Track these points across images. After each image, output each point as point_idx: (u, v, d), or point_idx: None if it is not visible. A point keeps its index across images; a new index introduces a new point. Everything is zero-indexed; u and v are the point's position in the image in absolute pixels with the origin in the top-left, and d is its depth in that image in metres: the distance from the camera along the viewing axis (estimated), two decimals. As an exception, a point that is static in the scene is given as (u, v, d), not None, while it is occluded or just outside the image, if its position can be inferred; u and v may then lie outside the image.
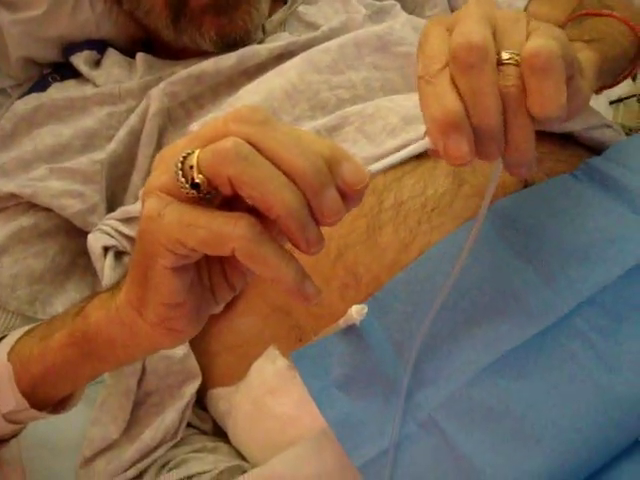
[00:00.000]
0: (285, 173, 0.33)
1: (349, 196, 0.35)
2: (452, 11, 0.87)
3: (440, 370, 0.48)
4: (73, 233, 0.72)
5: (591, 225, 0.52)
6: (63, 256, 0.72)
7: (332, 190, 0.34)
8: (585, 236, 0.51)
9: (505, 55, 0.38)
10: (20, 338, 0.50)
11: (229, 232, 0.33)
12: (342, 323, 0.51)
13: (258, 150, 0.33)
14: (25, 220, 0.69)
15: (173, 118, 0.72)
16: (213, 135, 0.34)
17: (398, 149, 0.56)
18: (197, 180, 0.33)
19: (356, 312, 0.47)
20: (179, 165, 0.33)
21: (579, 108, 0.44)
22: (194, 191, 0.33)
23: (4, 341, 0.51)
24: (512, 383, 0.46)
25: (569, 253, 0.50)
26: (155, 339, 0.40)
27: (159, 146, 0.72)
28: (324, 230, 0.57)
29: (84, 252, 0.72)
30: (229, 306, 0.63)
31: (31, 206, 0.70)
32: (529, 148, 0.39)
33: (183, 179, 0.33)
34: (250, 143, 0.33)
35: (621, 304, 0.48)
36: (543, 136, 0.60)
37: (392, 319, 0.50)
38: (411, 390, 0.48)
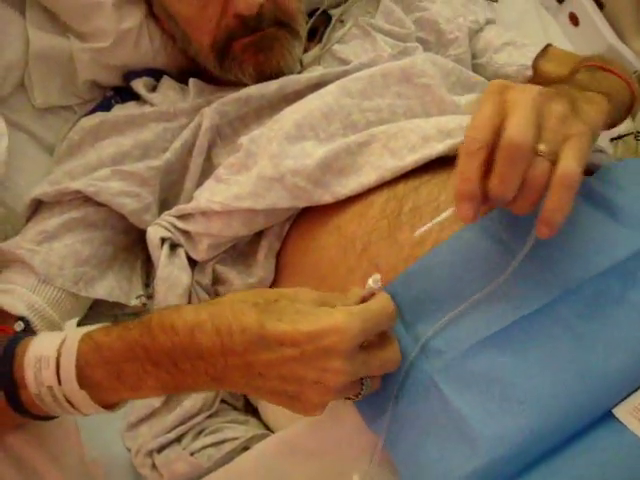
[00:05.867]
0: None
1: None
2: (472, 53, 0.98)
3: (443, 344, 0.56)
4: (119, 229, 0.81)
5: (578, 231, 0.60)
6: (107, 247, 0.80)
7: None
8: (572, 239, 0.59)
9: (542, 148, 0.50)
10: None
11: None
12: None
13: None
14: (75, 213, 0.78)
15: (222, 134, 0.83)
16: None
17: (417, 162, 0.66)
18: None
19: (373, 282, 0.55)
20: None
21: None
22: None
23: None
24: (501, 355, 0.55)
25: (558, 252, 0.58)
26: None
27: (208, 157, 0.82)
28: (350, 228, 0.68)
29: (125, 248, 0.82)
30: None
31: (83, 201, 0.78)
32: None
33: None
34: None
35: (599, 295, 0.57)
36: None
37: (405, 303, 0.59)
38: (418, 360, 0.57)
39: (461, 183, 0.51)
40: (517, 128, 0.49)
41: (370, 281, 0.54)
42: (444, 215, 0.54)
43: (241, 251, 0.76)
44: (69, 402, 0.54)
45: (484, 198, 0.51)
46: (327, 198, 0.69)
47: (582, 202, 0.64)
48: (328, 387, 0.50)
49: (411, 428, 0.56)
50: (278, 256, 0.74)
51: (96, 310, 0.82)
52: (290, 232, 0.73)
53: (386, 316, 0.53)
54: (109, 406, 0.56)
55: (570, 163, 0.49)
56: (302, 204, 0.70)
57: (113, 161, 0.81)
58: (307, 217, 0.72)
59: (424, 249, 0.61)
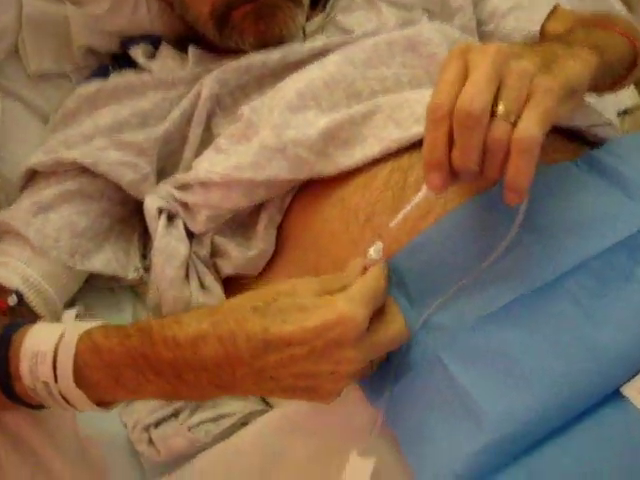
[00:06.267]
0: None
1: None
2: (478, 22, 0.95)
3: (448, 319, 0.56)
4: (115, 201, 0.79)
5: (587, 204, 0.59)
6: (103, 219, 0.78)
7: None
8: (581, 213, 0.58)
9: (501, 108, 0.48)
10: None
11: None
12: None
13: None
14: (70, 184, 0.76)
15: (222, 104, 0.80)
16: None
17: (423, 133, 0.64)
18: None
19: (374, 252, 0.54)
20: None
21: None
22: None
23: None
24: (507, 331, 0.53)
25: (566, 226, 0.57)
26: None
27: (208, 127, 0.80)
28: (353, 199, 0.66)
29: (122, 219, 0.81)
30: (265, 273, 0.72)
31: (79, 173, 0.77)
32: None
33: None
34: None
35: (608, 270, 0.55)
36: (552, 130, 0.68)
37: (409, 276, 0.58)
38: (422, 335, 0.56)
39: (427, 152, 0.50)
40: (468, 95, 0.47)
41: (371, 251, 0.53)
42: (417, 199, 0.53)
43: (241, 222, 0.74)
44: (64, 398, 0.53)
45: (453, 173, 0.50)
46: (330, 170, 0.67)
47: (590, 175, 0.63)
48: (343, 375, 0.51)
49: (415, 404, 0.55)
50: (279, 229, 0.72)
51: (92, 283, 0.80)
52: (292, 205, 0.71)
53: (381, 292, 0.53)
54: (104, 404, 0.56)
55: (528, 125, 0.47)
56: (303, 176, 0.68)
57: (110, 129, 0.79)
58: (310, 190, 0.70)
59: (428, 221, 0.60)
